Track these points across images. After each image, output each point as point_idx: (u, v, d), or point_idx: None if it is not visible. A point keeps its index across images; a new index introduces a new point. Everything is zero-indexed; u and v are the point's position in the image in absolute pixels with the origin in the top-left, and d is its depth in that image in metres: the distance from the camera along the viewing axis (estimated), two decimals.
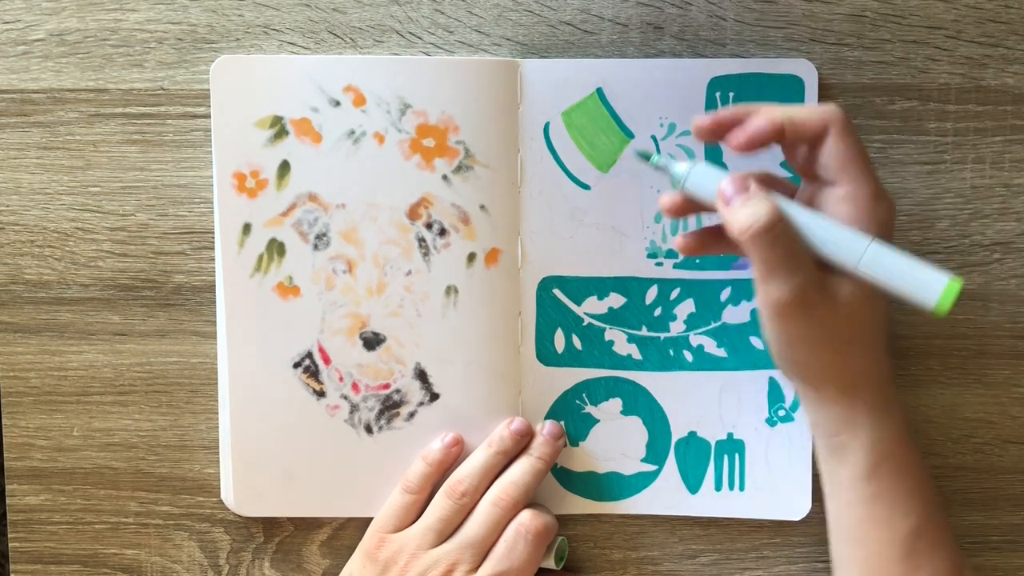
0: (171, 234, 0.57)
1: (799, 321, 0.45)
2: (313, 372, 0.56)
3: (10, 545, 0.58)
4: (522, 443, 0.56)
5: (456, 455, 0.56)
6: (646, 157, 0.49)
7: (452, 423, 0.56)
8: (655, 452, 0.57)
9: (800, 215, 0.45)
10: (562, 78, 0.55)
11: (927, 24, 0.56)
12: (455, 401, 0.57)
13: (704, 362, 0.57)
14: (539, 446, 0.56)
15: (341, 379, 0.56)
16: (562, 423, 0.57)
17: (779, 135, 0.46)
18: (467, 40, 0.56)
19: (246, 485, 0.57)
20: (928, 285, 0.43)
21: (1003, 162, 0.56)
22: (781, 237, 0.44)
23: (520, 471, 0.55)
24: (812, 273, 0.45)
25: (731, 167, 0.55)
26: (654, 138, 0.55)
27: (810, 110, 0.46)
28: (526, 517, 0.54)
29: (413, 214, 0.55)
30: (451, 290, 0.56)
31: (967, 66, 0.56)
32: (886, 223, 0.46)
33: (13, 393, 0.58)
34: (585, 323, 0.57)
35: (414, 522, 0.55)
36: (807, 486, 0.57)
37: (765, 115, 0.46)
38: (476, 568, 0.53)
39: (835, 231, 0.45)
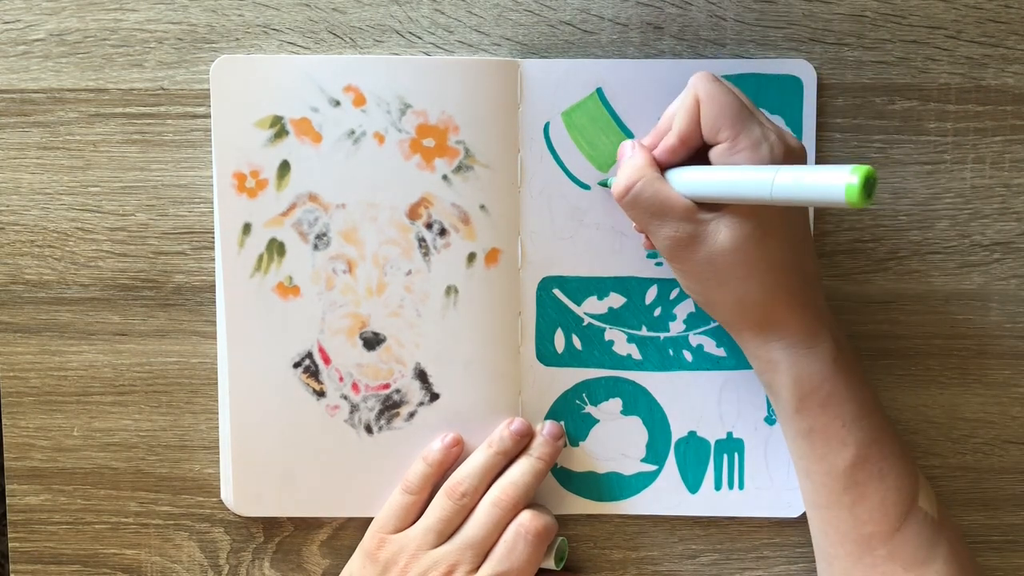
0: (171, 234, 0.57)
1: (687, 264, 0.49)
2: (313, 372, 0.56)
3: (10, 545, 0.58)
4: (522, 443, 0.56)
5: (456, 455, 0.56)
6: (605, 184, 0.55)
7: (452, 423, 0.56)
8: (655, 452, 0.57)
9: (695, 171, 0.48)
10: (562, 78, 0.55)
11: (927, 24, 0.56)
12: (455, 401, 0.57)
13: (704, 362, 0.57)
14: (539, 446, 0.56)
15: (341, 379, 0.56)
16: (562, 423, 0.57)
17: (696, 142, 0.49)
18: (467, 40, 0.56)
19: (246, 485, 0.57)
20: (836, 180, 0.40)
21: (1003, 162, 0.56)
22: (640, 195, 0.48)
23: (520, 471, 0.55)
24: (684, 219, 0.48)
25: None
26: None
27: (680, 101, 0.49)
28: (526, 517, 0.54)
29: (413, 214, 0.55)
30: (451, 290, 0.56)
31: (967, 66, 0.56)
32: (779, 159, 0.47)
33: (13, 393, 0.58)
34: (585, 323, 0.57)
35: (414, 523, 0.55)
36: None
37: (674, 133, 0.49)
38: (476, 569, 0.53)
39: (739, 172, 0.45)
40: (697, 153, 0.50)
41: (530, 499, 0.55)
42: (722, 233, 0.47)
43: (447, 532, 0.54)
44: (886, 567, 0.49)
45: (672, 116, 0.50)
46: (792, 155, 0.47)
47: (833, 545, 0.50)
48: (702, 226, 0.47)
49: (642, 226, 0.50)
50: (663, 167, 0.50)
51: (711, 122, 0.47)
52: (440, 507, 0.54)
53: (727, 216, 0.47)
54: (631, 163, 0.49)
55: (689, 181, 0.48)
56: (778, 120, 0.55)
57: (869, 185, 0.39)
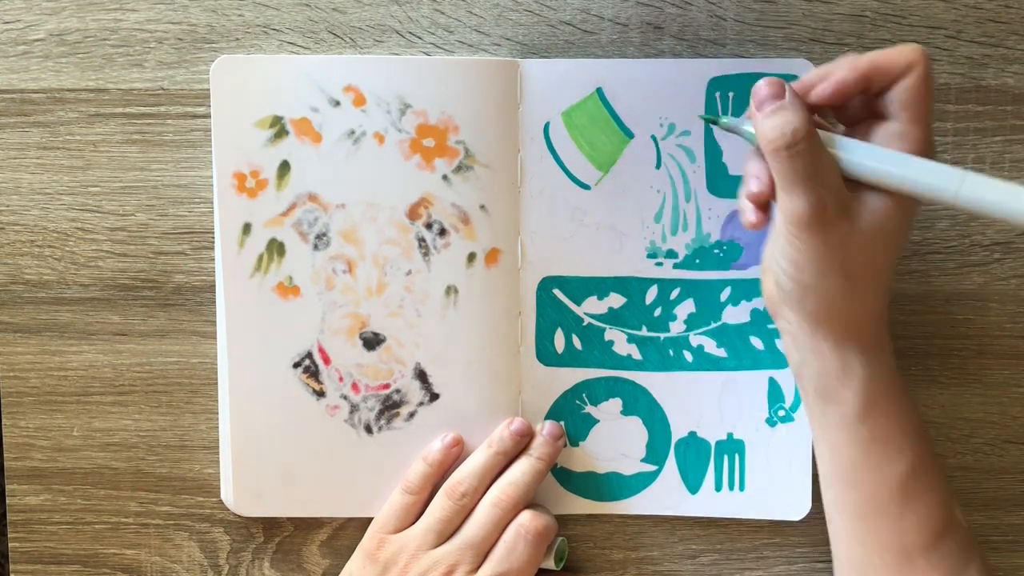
0: (171, 234, 0.57)
1: (815, 239, 0.44)
2: (313, 372, 0.56)
3: (10, 545, 0.58)
4: (522, 443, 0.56)
5: (456, 455, 0.56)
6: (713, 121, 0.49)
7: (452, 423, 0.56)
8: (655, 452, 0.57)
9: (865, 147, 0.44)
10: (562, 78, 0.55)
11: (927, 24, 0.56)
12: (455, 401, 0.56)
13: (704, 362, 0.57)
14: (539, 446, 0.56)
15: (341, 379, 0.56)
16: (562, 423, 0.57)
17: (866, 83, 0.44)
18: (467, 40, 0.56)
19: (246, 485, 0.57)
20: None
21: (1003, 162, 0.56)
22: (804, 153, 0.43)
23: (520, 471, 0.55)
24: (836, 191, 0.43)
25: (733, 168, 0.55)
26: (654, 138, 0.55)
27: (894, 54, 0.44)
28: (526, 518, 0.54)
29: (413, 214, 0.55)
30: (451, 290, 0.56)
31: (967, 66, 0.56)
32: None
33: (13, 393, 0.58)
34: (585, 323, 0.57)
35: (414, 523, 0.55)
36: (807, 486, 0.57)
37: (849, 66, 0.44)
38: (476, 569, 0.53)
39: (926, 165, 0.43)
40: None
41: (530, 499, 0.55)
42: (866, 217, 0.44)
43: (447, 532, 0.54)
44: None
45: (853, 65, 0.44)
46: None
47: (871, 555, 0.49)
48: (851, 204, 0.44)
49: (784, 185, 0.44)
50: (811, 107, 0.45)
51: (914, 99, 0.43)
52: (440, 507, 0.54)
53: (876, 199, 0.44)
54: (798, 112, 0.44)
55: (856, 155, 0.44)
56: None
57: None
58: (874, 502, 0.48)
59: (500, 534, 0.54)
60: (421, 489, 0.55)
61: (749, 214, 0.47)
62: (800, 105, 0.44)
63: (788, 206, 0.44)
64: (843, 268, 0.44)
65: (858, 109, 0.47)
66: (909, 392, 0.49)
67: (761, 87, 0.44)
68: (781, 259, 0.46)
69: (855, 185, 0.44)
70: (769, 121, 0.44)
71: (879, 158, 0.43)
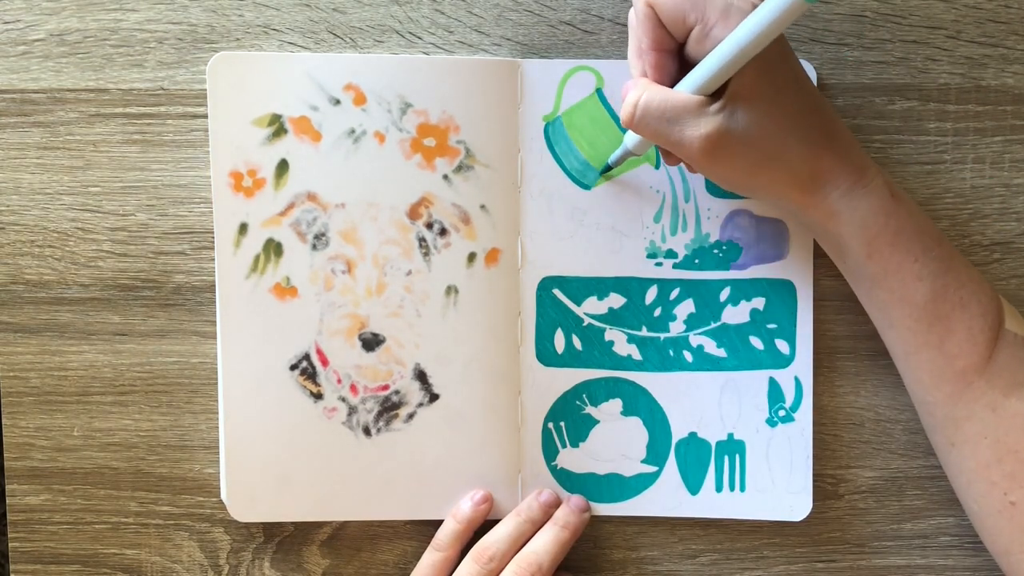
0: (171, 234, 0.57)
1: (725, 158, 0.48)
2: (310, 374, 0.56)
3: (10, 545, 0.58)
4: (550, 512, 0.56)
5: (485, 512, 0.56)
6: (609, 168, 0.55)
7: (452, 424, 0.56)
8: (655, 453, 0.57)
9: (689, 75, 0.47)
10: (562, 78, 0.55)
11: (927, 24, 0.55)
12: (455, 402, 0.56)
13: (704, 362, 0.57)
14: (565, 515, 0.56)
15: (339, 381, 0.56)
16: (588, 501, 0.57)
17: (670, 43, 0.48)
18: (467, 40, 0.56)
19: (242, 490, 0.56)
20: None
21: (1003, 162, 0.56)
22: (649, 105, 0.47)
23: (544, 540, 0.55)
24: (701, 116, 0.47)
25: None
26: None
27: (635, 18, 0.49)
28: None
29: (413, 214, 0.55)
30: (451, 290, 0.56)
31: (967, 66, 0.56)
32: (749, 12, 0.46)
33: (13, 393, 0.58)
34: (585, 323, 0.57)
35: None
36: (808, 487, 0.57)
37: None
38: None
39: (723, 45, 0.45)
40: (683, 63, 0.49)
41: (554, 568, 0.55)
42: (740, 110, 0.46)
43: None
44: (986, 397, 0.49)
45: (638, 38, 0.49)
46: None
47: (930, 391, 0.50)
48: (722, 114, 0.46)
49: (664, 139, 0.48)
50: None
51: (673, 16, 0.46)
52: (467, 571, 0.54)
53: (734, 94, 0.46)
54: (630, 87, 0.48)
55: (686, 80, 0.47)
56: None
57: None
58: (912, 335, 0.50)
59: None
60: (450, 546, 0.56)
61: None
62: (634, 80, 0.49)
63: (684, 155, 0.49)
64: (760, 154, 0.48)
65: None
66: (919, 213, 0.50)
67: (622, 91, 0.50)
68: (719, 182, 0.51)
69: (719, 93, 0.47)
70: (623, 106, 0.49)
71: (692, 75, 0.47)
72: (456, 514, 0.56)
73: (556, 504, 0.57)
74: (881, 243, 0.49)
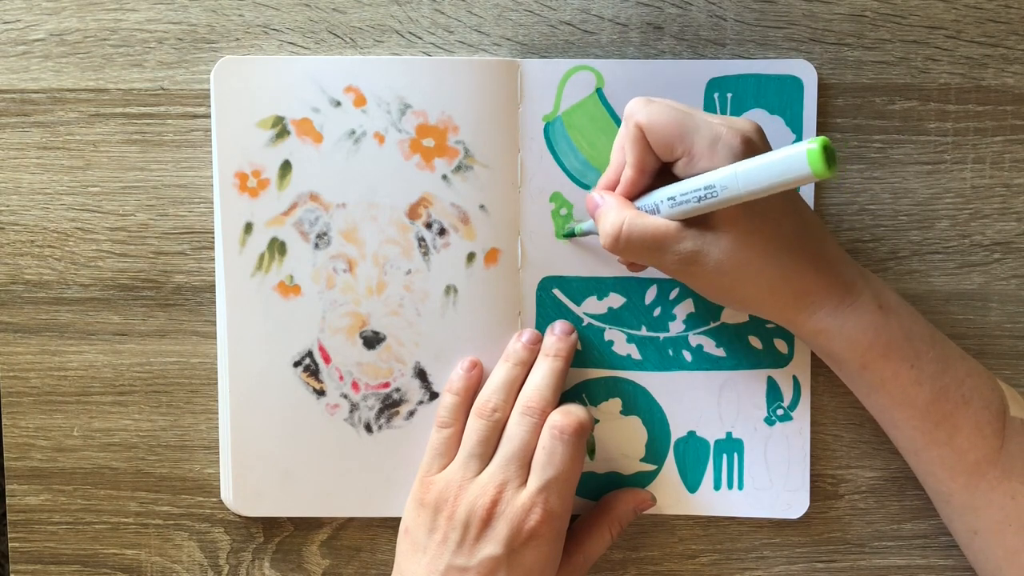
0: (171, 234, 0.57)
1: (701, 278, 0.49)
2: (313, 371, 0.56)
3: (10, 545, 0.58)
4: (536, 351, 0.56)
5: (478, 378, 0.56)
6: (571, 234, 0.56)
7: None
8: (654, 452, 0.57)
9: (665, 191, 0.48)
10: (562, 78, 0.55)
11: (927, 24, 0.56)
12: None
13: (703, 362, 0.57)
14: (553, 344, 0.55)
15: (341, 378, 0.56)
16: (571, 324, 0.57)
17: (653, 165, 0.49)
18: (467, 40, 0.56)
19: (245, 485, 0.57)
20: (796, 160, 0.41)
21: (1003, 162, 0.56)
22: (631, 236, 0.49)
23: (540, 375, 0.54)
24: (679, 243, 0.48)
25: None
26: None
27: (625, 137, 0.50)
28: (557, 419, 0.53)
29: (413, 214, 0.55)
30: (451, 290, 0.56)
31: (967, 66, 0.56)
32: (738, 149, 0.46)
33: (13, 393, 0.58)
34: (585, 323, 0.57)
35: (455, 455, 0.54)
36: (806, 485, 0.57)
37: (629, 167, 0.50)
38: (524, 482, 0.52)
39: (704, 179, 0.46)
40: (659, 174, 0.50)
41: (557, 400, 0.54)
42: (721, 240, 0.47)
43: (487, 454, 0.53)
44: (1003, 487, 0.49)
45: (622, 151, 0.50)
46: (748, 139, 0.47)
47: (945, 483, 0.51)
48: (700, 239, 0.48)
49: (642, 262, 0.51)
50: (631, 200, 0.50)
51: (662, 143, 0.48)
52: (475, 429, 0.53)
53: (717, 221, 0.47)
54: (606, 210, 0.50)
55: (666, 206, 0.48)
56: (778, 120, 0.55)
57: (829, 152, 0.40)
58: (919, 434, 0.50)
59: (536, 441, 0.53)
60: (454, 420, 0.55)
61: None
62: (610, 202, 0.50)
63: (661, 271, 0.51)
64: (738, 279, 0.49)
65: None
66: (914, 318, 0.50)
67: (588, 201, 0.52)
68: (701, 295, 0.52)
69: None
70: (601, 226, 0.50)
71: (672, 198, 0.48)
72: (451, 387, 0.55)
73: (539, 340, 0.56)
74: (874, 355, 0.49)
